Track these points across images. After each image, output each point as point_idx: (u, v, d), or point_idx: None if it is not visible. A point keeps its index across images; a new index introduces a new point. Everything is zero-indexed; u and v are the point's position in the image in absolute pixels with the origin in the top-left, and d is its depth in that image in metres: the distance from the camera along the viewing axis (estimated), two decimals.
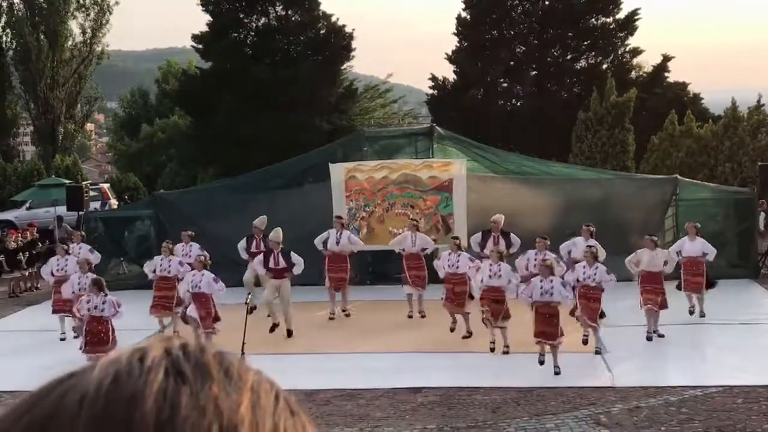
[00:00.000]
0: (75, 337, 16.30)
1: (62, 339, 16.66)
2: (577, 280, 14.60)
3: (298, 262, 16.26)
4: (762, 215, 21.98)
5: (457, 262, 15.90)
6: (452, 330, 15.73)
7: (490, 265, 14.71)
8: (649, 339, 15.13)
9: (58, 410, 0.78)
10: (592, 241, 16.22)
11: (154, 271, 16.66)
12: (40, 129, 47.50)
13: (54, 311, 17.16)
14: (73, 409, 0.78)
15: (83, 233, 20.21)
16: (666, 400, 11.67)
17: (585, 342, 14.38)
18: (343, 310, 17.86)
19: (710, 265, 16.87)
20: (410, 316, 17.48)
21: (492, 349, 14.42)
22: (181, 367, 0.81)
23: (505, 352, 14.38)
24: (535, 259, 15.57)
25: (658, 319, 15.24)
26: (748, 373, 12.78)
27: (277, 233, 16.47)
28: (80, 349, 14.49)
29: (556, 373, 13.13)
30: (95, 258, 18.62)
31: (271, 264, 16.24)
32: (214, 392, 0.80)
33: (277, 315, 16.24)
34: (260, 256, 16.57)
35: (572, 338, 14.29)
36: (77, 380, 0.81)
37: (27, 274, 23.19)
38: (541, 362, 13.37)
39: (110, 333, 13.58)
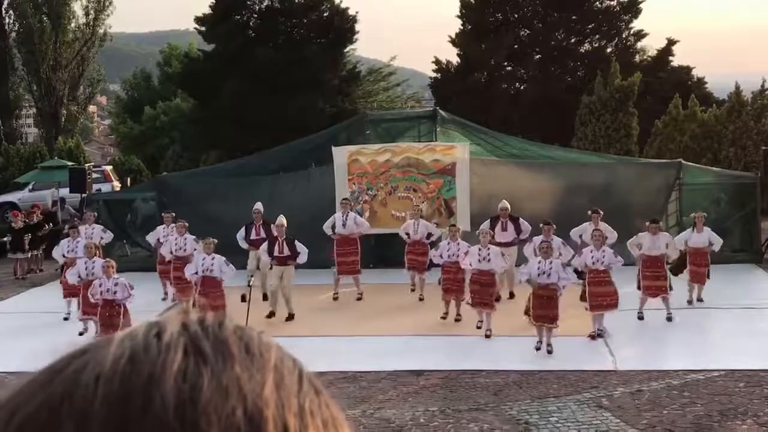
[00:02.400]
0: (80, 328, 16.33)
1: (65, 319, 16.62)
2: (585, 265, 14.60)
3: (303, 251, 16.24)
4: None
5: (457, 251, 15.84)
6: (458, 320, 15.70)
7: (479, 249, 14.67)
8: (640, 318, 15.20)
9: (73, 389, 0.74)
10: (602, 225, 16.23)
11: (171, 252, 16.68)
12: (42, 111, 47.42)
13: (64, 296, 17.11)
14: (89, 388, 0.74)
15: (95, 213, 20.23)
16: (668, 383, 11.68)
17: (593, 337, 14.25)
18: (336, 295, 17.86)
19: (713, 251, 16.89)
20: (413, 290, 17.56)
21: (487, 336, 14.43)
22: (200, 345, 0.77)
23: (488, 336, 14.40)
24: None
25: (668, 302, 15.23)
26: (750, 357, 12.79)
27: (281, 219, 16.46)
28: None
29: (549, 352, 13.16)
30: (108, 237, 18.66)
31: (276, 252, 16.24)
32: (237, 372, 0.75)
33: (277, 303, 16.31)
34: (265, 244, 16.55)
35: (575, 322, 14.30)
36: (92, 356, 0.77)
37: (30, 256, 23.21)
38: (538, 348, 13.38)
39: (121, 317, 13.59)
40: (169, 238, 17.29)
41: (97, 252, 16.07)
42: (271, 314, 16.14)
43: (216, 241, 15.47)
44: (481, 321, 14.57)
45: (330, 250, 17.98)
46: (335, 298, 17.81)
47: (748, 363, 12.44)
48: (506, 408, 10.94)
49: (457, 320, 15.66)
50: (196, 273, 15.17)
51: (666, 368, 12.42)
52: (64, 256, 17.52)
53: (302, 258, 16.33)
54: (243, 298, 16.62)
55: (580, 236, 16.89)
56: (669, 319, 15.15)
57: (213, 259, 15.14)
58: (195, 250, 16.13)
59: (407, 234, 18.00)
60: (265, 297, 17.32)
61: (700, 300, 16.53)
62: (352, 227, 18.00)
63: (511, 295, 16.71)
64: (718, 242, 16.69)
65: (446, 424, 10.41)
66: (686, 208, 19.99)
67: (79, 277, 15.53)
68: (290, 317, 16.13)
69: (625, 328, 14.55)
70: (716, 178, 21.86)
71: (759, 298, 16.97)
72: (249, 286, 11.28)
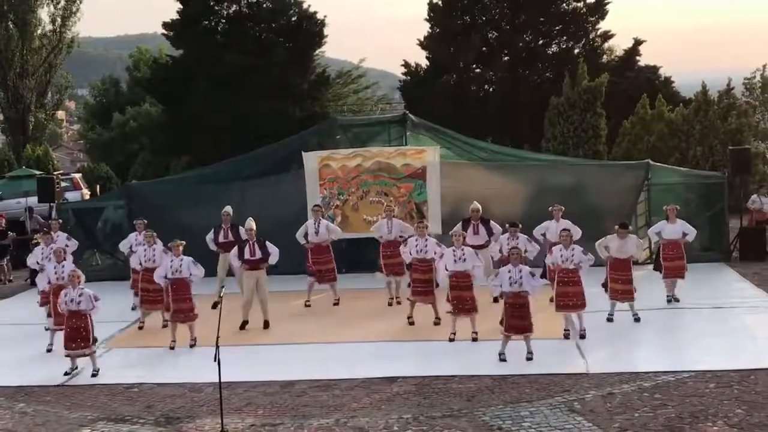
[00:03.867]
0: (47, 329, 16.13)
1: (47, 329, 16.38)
2: (555, 264, 14.68)
3: (274, 252, 16.18)
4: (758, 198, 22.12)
5: (425, 247, 15.91)
6: (411, 323, 15.75)
7: (453, 250, 14.72)
8: (609, 320, 15.35)
9: None
10: (565, 222, 16.35)
11: (141, 264, 16.49)
12: (10, 119, 47.06)
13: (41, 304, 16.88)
14: None
15: (60, 221, 20.03)
16: (639, 386, 11.75)
17: (566, 336, 14.36)
18: (336, 301, 17.89)
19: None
20: (390, 304, 17.54)
21: (451, 339, 14.48)
22: None
23: (474, 339, 14.45)
24: (508, 245, 15.65)
25: (633, 304, 15.38)
26: (720, 357, 12.89)
27: (250, 223, 16.39)
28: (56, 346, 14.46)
29: (529, 359, 13.20)
30: (73, 245, 18.47)
31: (247, 254, 16.14)
32: None
33: (249, 311, 16.26)
34: (235, 249, 16.46)
35: (547, 325, 14.37)
36: None
37: None
38: (503, 359, 13.32)
39: (88, 329, 13.46)
40: (138, 248, 17.12)
41: (66, 257, 15.89)
42: (245, 324, 16.12)
43: (184, 243, 15.38)
44: (454, 333, 14.56)
45: (308, 261, 17.92)
46: (307, 305, 17.78)
47: (718, 363, 12.53)
48: (479, 414, 10.97)
49: (436, 323, 15.69)
50: (166, 276, 15.10)
51: (637, 370, 12.48)
52: (38, 263, 17.30)
53: (273, 258, 16.28)
54: (214, 305, 16.43)
55: (543, 234, 17.02)
56: (636, 320, 15.26)
57: (181, 260, 15.09)
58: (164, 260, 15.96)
59: (380, 236, 18.03)
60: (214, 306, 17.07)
61: (676, 300, 16.60)
62: (324, 234, 17.98)
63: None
64: (692, 232, 16.73)
65: None
66: (655, 208, 20.12)
67: (48, 281, 15.42)
68: (266, 324, 16.10)
69: (595, 330, 14.63)
70: (684, 178, 22.00)
71: (728, 297, 17.10)
72: (220, 297, 11.24)
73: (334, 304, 17.82)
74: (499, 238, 16.79)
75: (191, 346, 14.85)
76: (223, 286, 12.68)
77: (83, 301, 13.40)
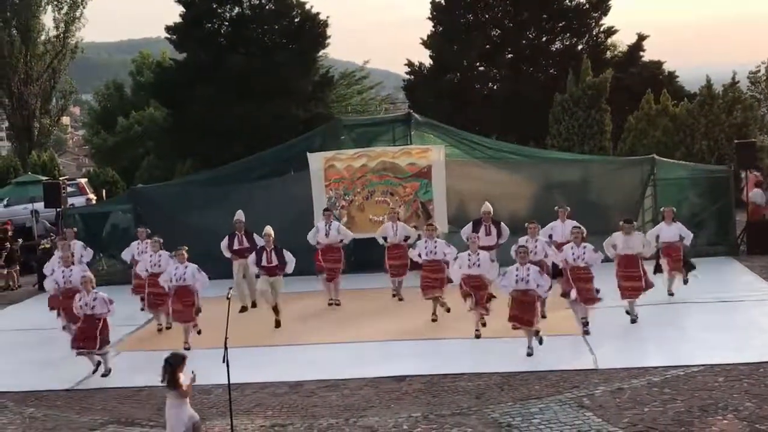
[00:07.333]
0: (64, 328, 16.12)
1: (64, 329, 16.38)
2: (566, 262, 14.66)
3: (290, 261, 16.34)
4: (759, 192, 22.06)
5: (435, 248, 15.90)
6: (434, 320, 15.81)
7: (469, 255, 14.68)
8: (633, 321, 15.23)
9: None
10: (571, 223, 16.28)
11: (147, 270, 16.46)
12: (15, 125, 47.17)
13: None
14: None
15: (75, 229, 20.04)
16: (648, 380, 11.73)
17: (587, 332, 14.30)
18: (332, 302, 17.93)
19: (690, 244, 16.93)
20: (400, 299, 17.65)
21: (477, 336, 14.50)
22: None
23: (477, 336, 14.49)
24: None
25: (634, 305, 15.29)
26: (729, 351, 12.87)
27: (268, 229, 16.45)
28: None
29: (528, 354, 13.22)
30: (88, 254, 18.49)
31: (264, 261, 16.28)
32: None
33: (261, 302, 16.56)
34: (253, 256, 16.61)
35: (555, 321, 14.36)
36: None
37: (6, 272, 23.10)
38: (529, 354, 13.34)
39: (97, 331, 13.48)
40: (143, 255, 17.11)
41: (73, 260, 16.00)
42: (244, 309, 16.96)
43: (186, 248, 15.37)
44: (478, 330, 14.58)
45: (318, 260, 17.96)
46: (330, 304, 17.91)
47: (727, 357, 12.51)
48: (489, 411, 10.96)
49: (433, 320, 15.82)
50: (171, 281, 15.14)
51: (646, 365, 12.46)
52: (53, 271, 17.29)
53: (290, 267, 16.42)
54: (243, 309, 17.44)
55: (550, 236, 16.88)
56: (633, 321, 15.09)
57: (186, 267, 15.11)
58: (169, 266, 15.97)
59: (384, 238, 18.04)
60: (242, 309, 17.39)
61: (671, 294, 16.60)
62: (335, 237, 18.01)
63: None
64: (688, 236, 16.71)
65: (429, 430, 10.42)
66: (661, 203, 20.06)
67: (56, 283, 15.48)
68: (278, 324, 16.22)
69: (604, 326, 14.60)
70: (690, 172, 21.92)
71: (736, 290, 17.07)
72: (228, 298, 11.23)
73: (329, 304, 17.87)
74: (518, 241, 16.53)
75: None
76: (231, 288, 12.68)
77: (97, 305, 13.48)
